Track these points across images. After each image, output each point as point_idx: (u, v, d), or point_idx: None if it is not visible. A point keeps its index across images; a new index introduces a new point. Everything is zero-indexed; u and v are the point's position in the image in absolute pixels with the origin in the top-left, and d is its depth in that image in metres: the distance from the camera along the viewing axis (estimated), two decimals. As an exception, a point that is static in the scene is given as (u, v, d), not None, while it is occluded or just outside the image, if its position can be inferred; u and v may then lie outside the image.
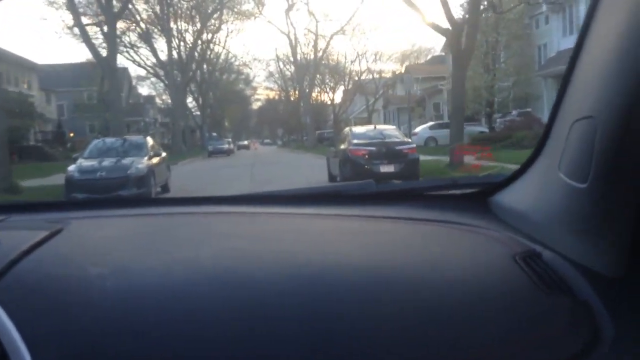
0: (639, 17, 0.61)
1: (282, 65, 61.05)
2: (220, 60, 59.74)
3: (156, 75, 45.35)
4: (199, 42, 43.48)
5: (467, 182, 1.30)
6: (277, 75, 68.48)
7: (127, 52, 42.26)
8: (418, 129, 30.62)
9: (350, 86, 56.94)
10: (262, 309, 0.70)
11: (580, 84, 0.77)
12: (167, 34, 39.88)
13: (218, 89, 67.57)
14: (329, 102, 68.92)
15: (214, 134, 67.72)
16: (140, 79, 63.56)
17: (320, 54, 45.98)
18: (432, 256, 0.88)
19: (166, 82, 41.31)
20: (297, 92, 60.93)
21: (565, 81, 0.81)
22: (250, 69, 76.35)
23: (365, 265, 0.82)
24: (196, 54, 44.49)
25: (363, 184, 1.28)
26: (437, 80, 43.69)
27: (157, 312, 0.70)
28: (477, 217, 1.06)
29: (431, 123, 33.50)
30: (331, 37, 44.89)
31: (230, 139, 59.07)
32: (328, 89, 57.85)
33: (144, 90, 70.85)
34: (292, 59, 49.32)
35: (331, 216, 1.11)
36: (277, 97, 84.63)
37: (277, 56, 59.54)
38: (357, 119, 59.69)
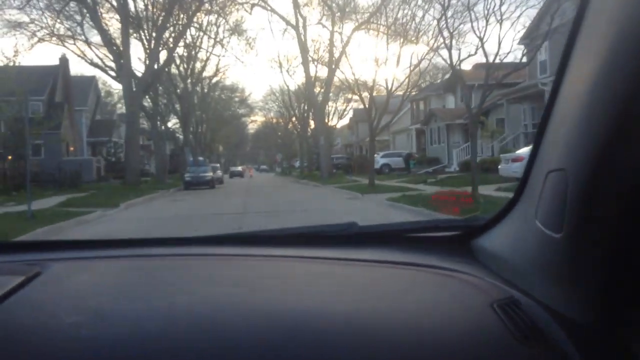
0: (607, 72, 0.63)
1: (285, 75, 47.94)
2: (208, 74, 47.26)
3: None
4: (168, 33, 30.33)
5: (449, 224, 1.29)
6: (277, 94, 56.12)
7: (82, 52, 29.42)
8: (523, 151, 17.31)
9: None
10: (239, 356, 0.69)
11: (553, 136, 0.77)
12: (123, 12, 26.80)
13: (207, 107, 54.85)
14: (335, 123, 56.27)
15: (201, 158, 54.83)
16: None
17: (336, 55, 33.14)
18: (411, 302, 0.87)
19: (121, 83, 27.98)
20: (304, 107, 48.10)
21: (540, 131, 0.81)
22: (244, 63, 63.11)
23: (344, 311, 0.81)
24: (165, 50, 31.22)
25: (345, 225, 1.27)
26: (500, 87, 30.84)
27: None
28: (458, 261, 1.04)
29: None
30: (352, 32, 32.07)
31: (217, 164, 45.79)
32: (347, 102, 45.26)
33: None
34: (301, 60, 36.37)
35: (311, 259, 1.10)
36: (275, 121, 72.33)
37: (280, 62, 46.50)
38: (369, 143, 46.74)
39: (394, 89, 25.12)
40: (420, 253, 1.10)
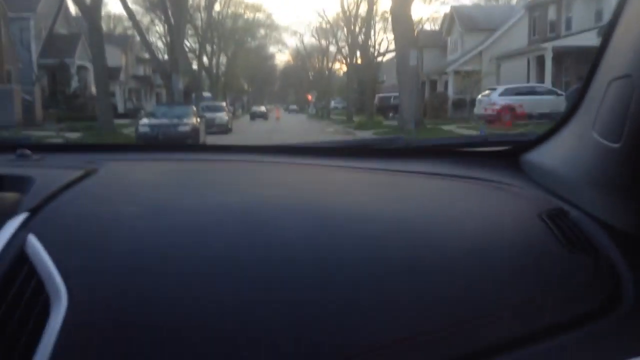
0: None
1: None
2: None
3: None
4: None
5: (499, 139, 1.24)
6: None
7: None
8: None
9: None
10: (286, 255, 0.69)
11: (620, 43, 0.74)
12: None
13: (219, 25, 38.46)
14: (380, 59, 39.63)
15: (207, 94, 38.77)
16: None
17: None
18: (458, 211, 0.85)
19: None
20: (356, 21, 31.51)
21: (605, 40, 0.79)
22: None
23: (390, 218, 0.81)
24: None
25: (393, 139, 1.25)
26: None
27: (184, 252, 0.70)
28: (507, 174, 1.02)
29: None
30: None
31: (223, 103, 29.68)
32: None
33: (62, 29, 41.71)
34: None
35: (360, 169, 1.09)
36: (300, 61, 56.03)
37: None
38: (460, 75, 29.74)
39: None
40: (468, 166, 1.07)
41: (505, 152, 1.13)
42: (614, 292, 0.63)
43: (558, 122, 0.96)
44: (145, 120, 15.39)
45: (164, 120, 15.06)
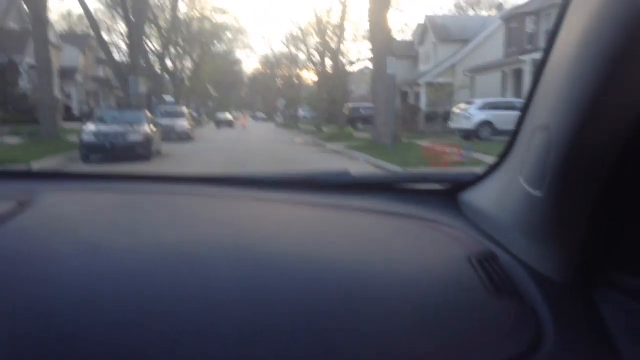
0: (596, 31, 0.61)
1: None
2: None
3: None
4: None
5: (439, 177, 1.29)
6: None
7: None
8: None
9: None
10: (222, 295, 0.69)
11: (543, 92, 0.77)
12: None
13: (183, 25, 36.73)
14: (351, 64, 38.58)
15: (169, 97, 36.94)
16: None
17: None
18: (392, 250, 0.87)
19: None
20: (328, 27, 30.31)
21: (533, 86, 0.81)
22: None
23: (325, 257, 0.81)
24: None
25: (339, 174, 1.28)
26: None
27: (114, 296, 0.68)
28: (445, 213, 1.04)
29: None
30: None
31: (183, 108, 27.65)
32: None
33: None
34: None
35: (302, 204, 1.10)
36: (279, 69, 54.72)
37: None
38: (433, 87, 28.68)
39: None
40: (408, 204, 1.09)
41: (444, 191, 1.13)
42: (535, 337, 0.65)
43: (493, 164, 0.96)
44: (91, 128, 13.48)
45: (113, 128, 13.28)
